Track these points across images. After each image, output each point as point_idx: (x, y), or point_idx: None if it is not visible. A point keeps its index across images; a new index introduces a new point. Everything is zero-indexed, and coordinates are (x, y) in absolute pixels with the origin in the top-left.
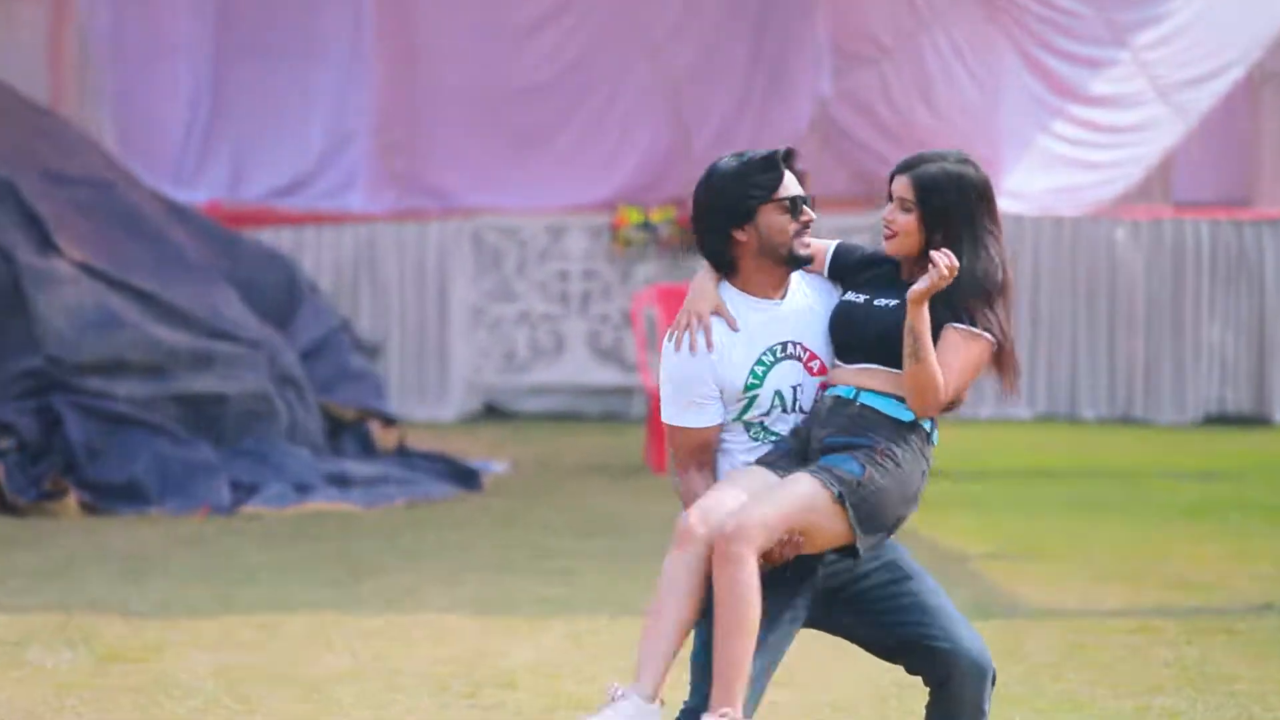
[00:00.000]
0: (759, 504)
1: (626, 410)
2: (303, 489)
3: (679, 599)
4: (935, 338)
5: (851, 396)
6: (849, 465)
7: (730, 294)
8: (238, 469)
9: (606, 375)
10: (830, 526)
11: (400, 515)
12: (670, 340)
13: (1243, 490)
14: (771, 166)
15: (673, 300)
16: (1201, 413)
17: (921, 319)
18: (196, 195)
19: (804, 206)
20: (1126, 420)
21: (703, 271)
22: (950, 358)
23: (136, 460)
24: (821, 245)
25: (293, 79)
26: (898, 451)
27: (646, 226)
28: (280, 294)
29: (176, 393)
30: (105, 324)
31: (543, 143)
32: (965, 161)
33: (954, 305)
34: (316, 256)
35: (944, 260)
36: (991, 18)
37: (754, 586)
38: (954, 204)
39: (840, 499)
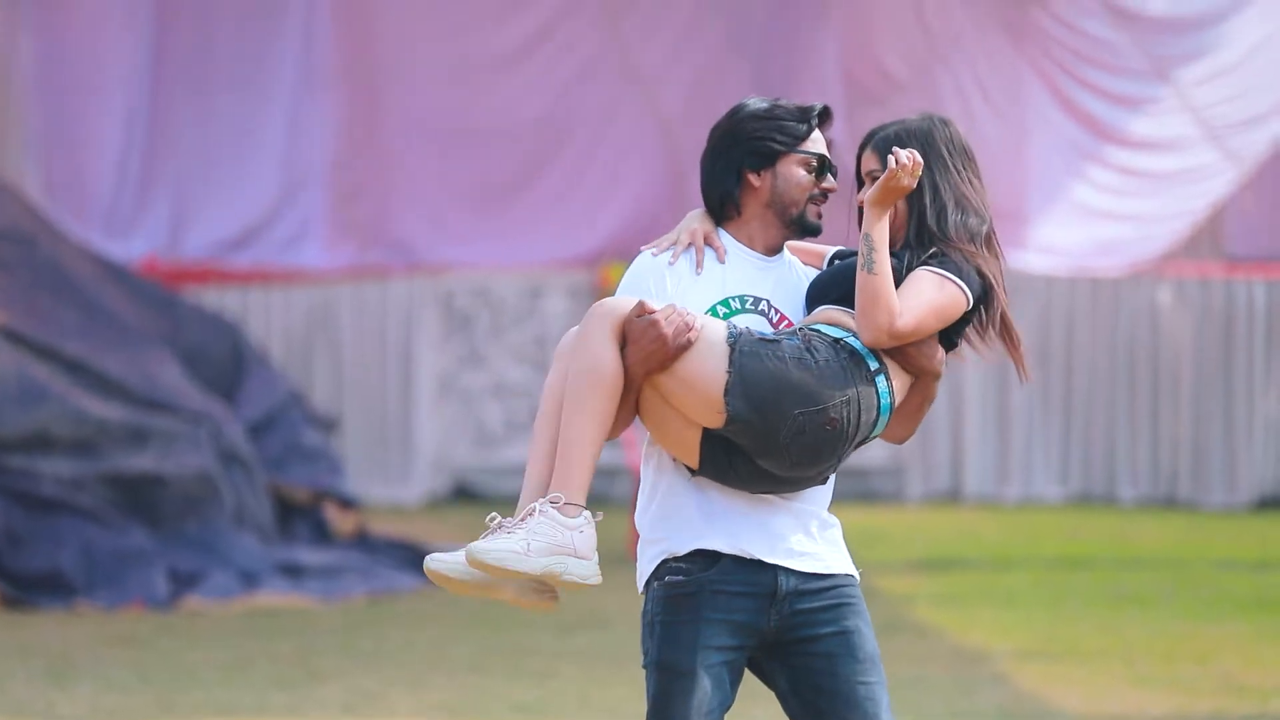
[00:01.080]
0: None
1: (610, 492)
2: (250, 580)
3: (553, 410)
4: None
5: (801, 325)
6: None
7: (723, 237)
8: (177, 557)
9: None
10: (707, 360)
11: (360, 610)
12: (650, 246)
13: None
14: (805, 117)
15: None
16: (1255, 494)
17: (878, 228)
18: (132, 248)
19: (829, 173)
20: (1171, 503)
21: (695, 211)
22: (910, 292)
23: (63, 548)
24: (822, 248)
25: (239, 116)
26: (821, 349)
27: None
28: (225, 362)
29: (108, 472)
30: (28, 395)
31: (519, 190)
32: (928, 117)
33: (928, 253)
34: (266, 319)
35: (905, 154)
36: (1017, 48)
37: (600, 364)
38: (925, 160)
39: (732, 341)
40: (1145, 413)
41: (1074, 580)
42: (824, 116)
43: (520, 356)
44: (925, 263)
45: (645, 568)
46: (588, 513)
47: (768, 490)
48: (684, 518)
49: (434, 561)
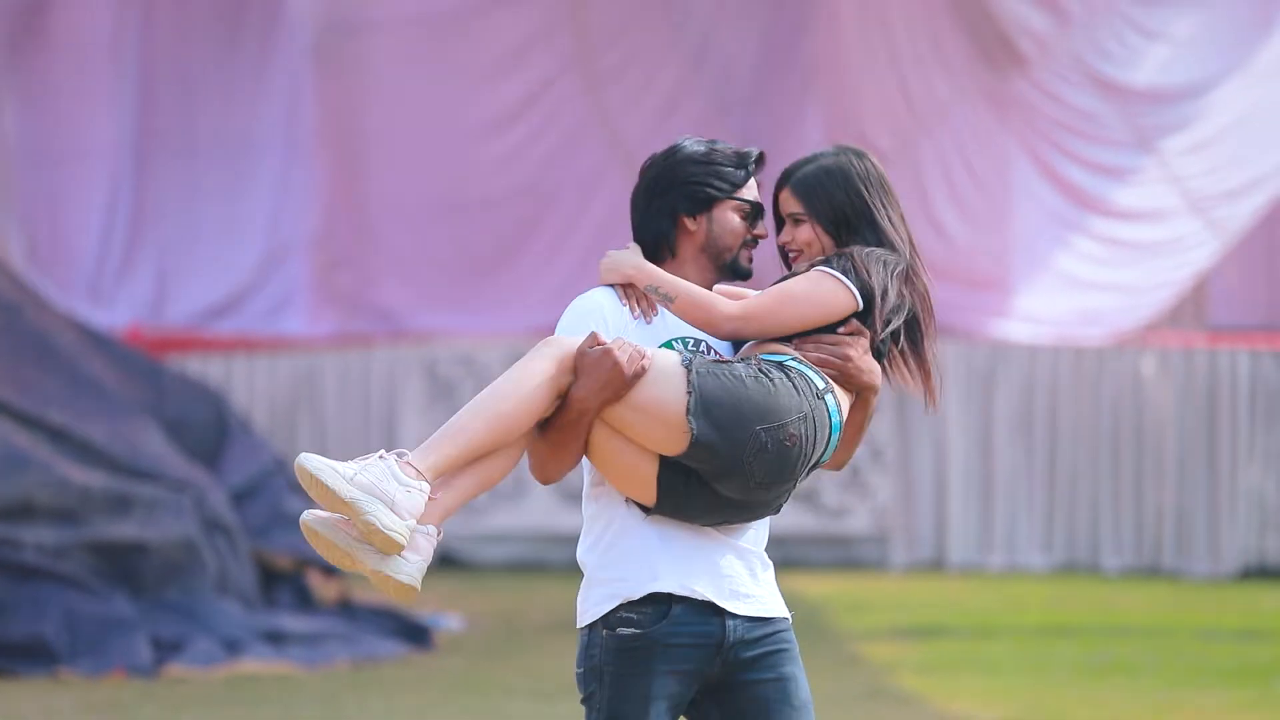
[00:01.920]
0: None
1: None
2: (233, 647)
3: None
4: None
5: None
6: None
7: None
8: (159, 625)
9: (573, 521)
10: (665, 385)
11: (343, 677)
12: (605, 287)
13: None
14: (743, 163)
15: None
16: (1239, 564)
17: (659, 276)
18: (116, 315)
19: (760, 219)
20: (1155, 572)
21: (633, 249)
22: (781, 284)
23: (45, 616)
24: (748, 292)
25: (222, 185)
26: (771, 370)
27: None
28: (209, 430)
29: (90, 540)
30: (11, 463)
31: (502, 259)
32: (843, 152)
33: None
34: (250, 387)
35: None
36: (1001, 118)
37: (527, 377)
38: (843, 198)
39: (686, 364)
40: (1129, 482)
41: (1058, 649)
42: (759, 162)
43: None
44: (814, 265)
45: (593, 609)
46: (427, 487)
47: (723, 520)
48: (637, 557)
49: (308, 515)
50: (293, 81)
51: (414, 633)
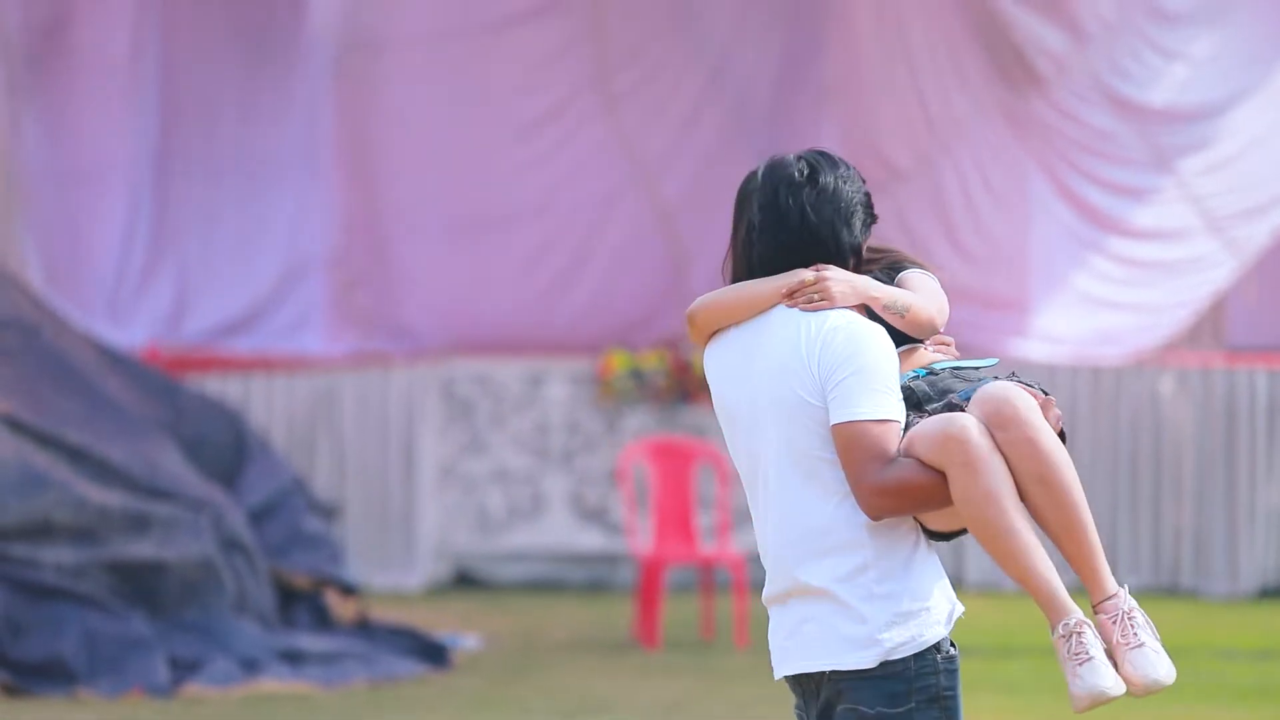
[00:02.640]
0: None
1: (613, 579)
2: (251, 666)
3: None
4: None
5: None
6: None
7: None
8: (177, 644)
9: (591, 540)
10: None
11: (361, 697)
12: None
13: None
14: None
15: (664, 456)
16: (1258, 583)
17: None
18: (134, 334)
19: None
20: (1173, 591)
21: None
22: (927, 284)
23: (63, 636)
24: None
25: (242, 202)
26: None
27: (636, 374)
28: (227, 449)
29: (109, 559)
30: (29, 483)
31: (522, 277)
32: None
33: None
34: (268, 407)
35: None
36: (1019, 138)
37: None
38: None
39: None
40: (1147, 501)
41: None
42: None
43: (521, 444)
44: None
45: (927, 633)
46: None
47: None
48: (942, 582)
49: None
50: (312, 100)
51: (432, 652)
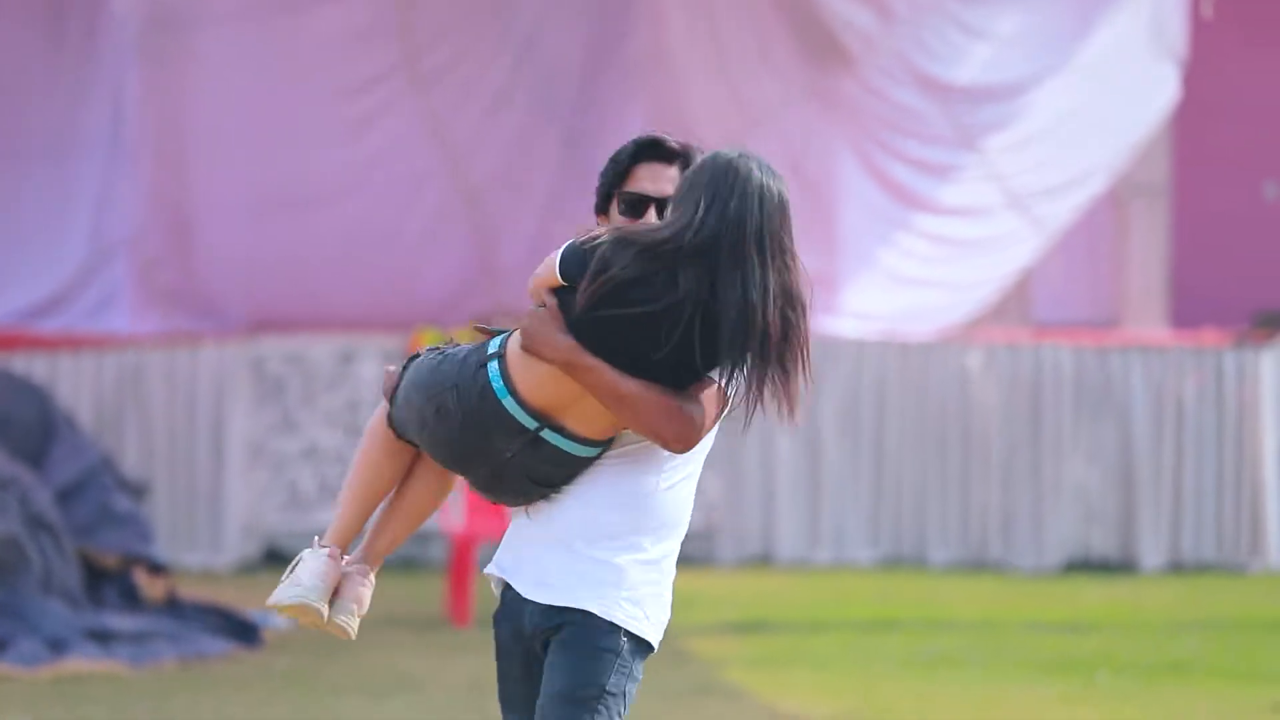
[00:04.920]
0: None
1: (424, 556)
2: (59, 646)
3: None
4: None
5: None
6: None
7: None
8: None
9: None
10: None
11: (171, 676)
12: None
13: (1110, 644)
14: (620, 154)
15: None
16: (1063, 557)
17: None
18: None
19: (644, 212)
20: (980, 566)
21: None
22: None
23: None
24: None
25: (47, 185)
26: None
27: None
28: (32, 427)
29: None
30: None
31: (331, 257)
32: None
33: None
34: (74, 385)
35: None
36: (828, 117)
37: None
38: None
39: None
40: (955, 476)
41: (885, 642)
42: (640, 150)
43: (333, 421)
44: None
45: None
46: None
47: (497, 499)
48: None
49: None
50: (117, 79)
51: (242, 631)
